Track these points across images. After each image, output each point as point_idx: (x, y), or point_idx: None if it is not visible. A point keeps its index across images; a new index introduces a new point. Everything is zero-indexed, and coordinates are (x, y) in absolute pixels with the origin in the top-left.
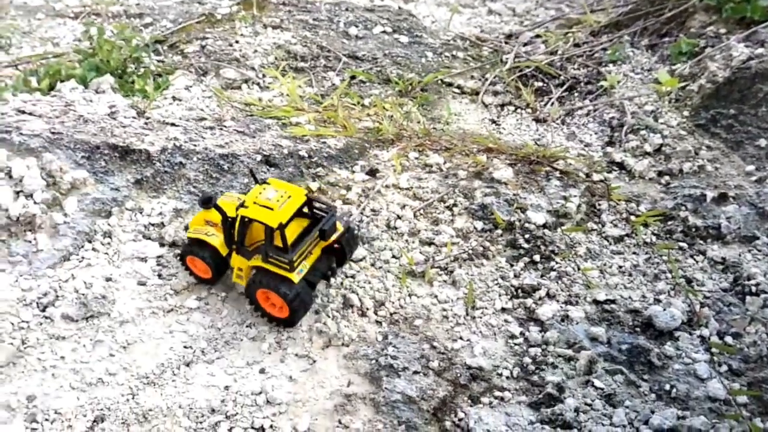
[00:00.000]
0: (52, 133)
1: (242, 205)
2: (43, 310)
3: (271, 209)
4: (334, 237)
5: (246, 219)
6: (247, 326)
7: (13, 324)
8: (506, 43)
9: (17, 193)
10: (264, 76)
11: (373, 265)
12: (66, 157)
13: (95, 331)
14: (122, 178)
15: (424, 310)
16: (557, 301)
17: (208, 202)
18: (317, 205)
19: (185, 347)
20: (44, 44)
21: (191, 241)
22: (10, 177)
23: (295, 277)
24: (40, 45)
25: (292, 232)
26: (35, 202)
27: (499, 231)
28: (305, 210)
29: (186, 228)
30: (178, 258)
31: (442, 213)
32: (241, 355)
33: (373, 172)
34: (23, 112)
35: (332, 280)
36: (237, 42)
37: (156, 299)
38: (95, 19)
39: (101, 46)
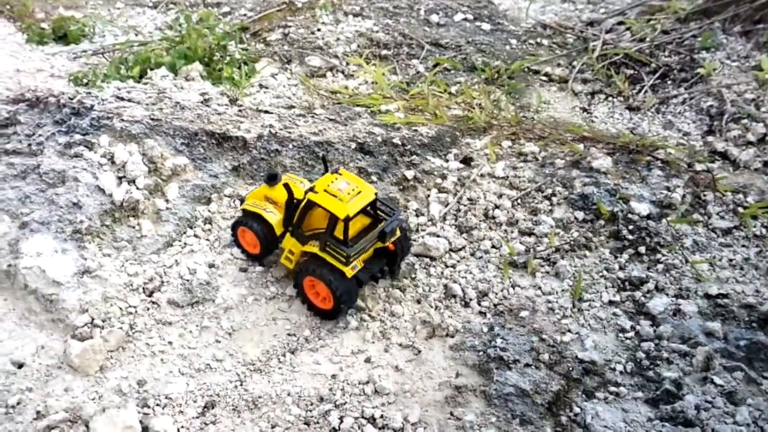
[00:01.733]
0: (152, 119)
1: (312, 189)
2: (150, 296)
3: (341, 200)
4: (392, 240)
5: (313, 204)
6: (349, 315)
7: (121, 309)
8: (584, 30)
9: (120, 178)
10: (348, 64)
11: (473, 254)
12: (166, 144)
13: (201, 317)
14: (220, 165)
15: (528, 302)
16: (667, 294)
17: (273, 179)
18: (381, 206)
19: (289, 335)
20: (126, 33)
21: (247, 213)
22: (113, 163)
23: (349, 272)
24: (122, 34)
25: (354, 228)
26: (138, 188)
27: (602, 222)
28: (369, 208)
29: (242, 200)
30: (230, 227)
31: (540, 203)
32: (345, 344)
33: (467, 161)
34: (122, 99)
35: (381, 281)
36: (319, 30)
37: (257, 286)
38: (173, 8)
39: (189, 33)
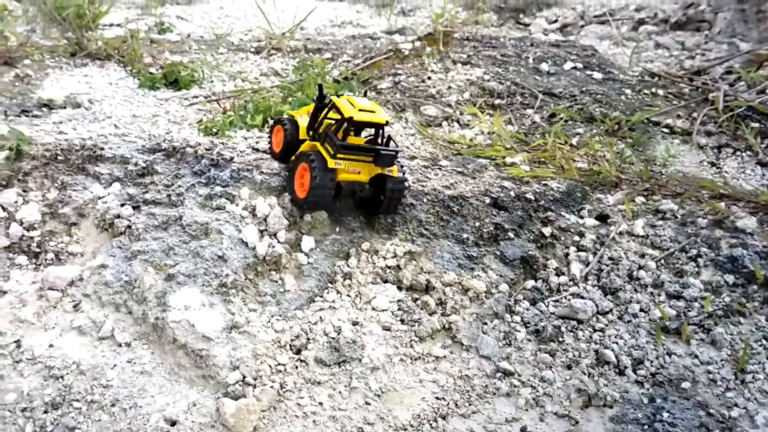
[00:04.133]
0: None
1: (339, 94)
2: (298, 353)
3: (354, 107)
4: (384, 170)
5: (333, 106)
6: (498, 379)
7: (270, 366)
8: (694, 79)
9: (261, 232)
10: (461, 113)
11: (620, 318)
12: None
13: (349, 377)
14: (356, 219)
15: (687, 372)
16: None
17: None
18: (393, 142)
19: (437, 398)
20: (233, 79)
21: (289, 116)
22: (254, 215)
23: (331, 162)
24: (229, 79)
25: (354, 140)
26: (279, 242)
27: (754, 286)
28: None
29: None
30: (272, 121)
31: (685, 264)
32: (497, 411)
33: (603, 218)
34: (257, 150)
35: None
36: (429, 78)
37: (402, 346)
38: (275, 54)
39: (309, 82)
